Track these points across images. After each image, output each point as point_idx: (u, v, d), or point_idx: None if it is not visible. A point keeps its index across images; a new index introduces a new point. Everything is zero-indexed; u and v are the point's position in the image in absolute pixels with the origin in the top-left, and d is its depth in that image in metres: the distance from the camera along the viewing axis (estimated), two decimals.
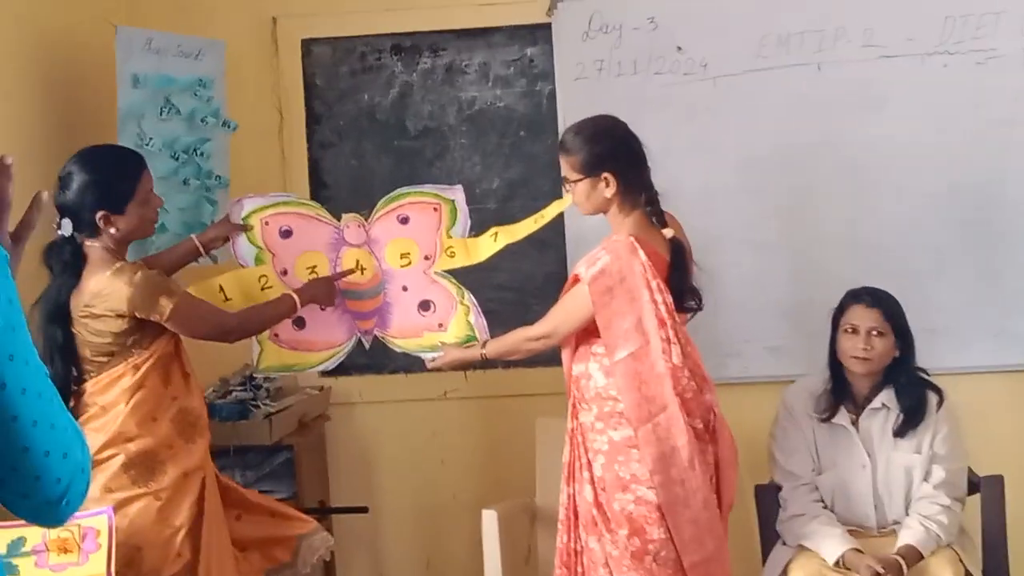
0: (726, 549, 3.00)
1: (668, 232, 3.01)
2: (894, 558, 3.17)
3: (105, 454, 2.81)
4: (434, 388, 4.13)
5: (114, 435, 2.83)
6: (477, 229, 3.37)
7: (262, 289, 3.27)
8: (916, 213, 3.94)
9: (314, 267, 3.33)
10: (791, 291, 3.99)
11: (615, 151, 3.00)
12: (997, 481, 3.43)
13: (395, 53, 4.21)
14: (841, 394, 3.40)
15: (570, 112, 3.74)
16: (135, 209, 2.89)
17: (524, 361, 3.39)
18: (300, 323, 3.35)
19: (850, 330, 3.36)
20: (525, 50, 4.17)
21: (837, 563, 3.21)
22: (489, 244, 3.32)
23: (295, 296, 3.17)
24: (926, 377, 3.40)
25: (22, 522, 1.38)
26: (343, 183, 4.24)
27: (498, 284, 4.05)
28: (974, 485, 3.43)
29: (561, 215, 3.39)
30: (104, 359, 2.86)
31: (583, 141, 3.01)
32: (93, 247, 2.87)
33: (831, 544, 3.23)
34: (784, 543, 3.37)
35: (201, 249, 3.27)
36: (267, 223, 3.31)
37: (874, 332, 3.33)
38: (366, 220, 3.36)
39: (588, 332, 3.00)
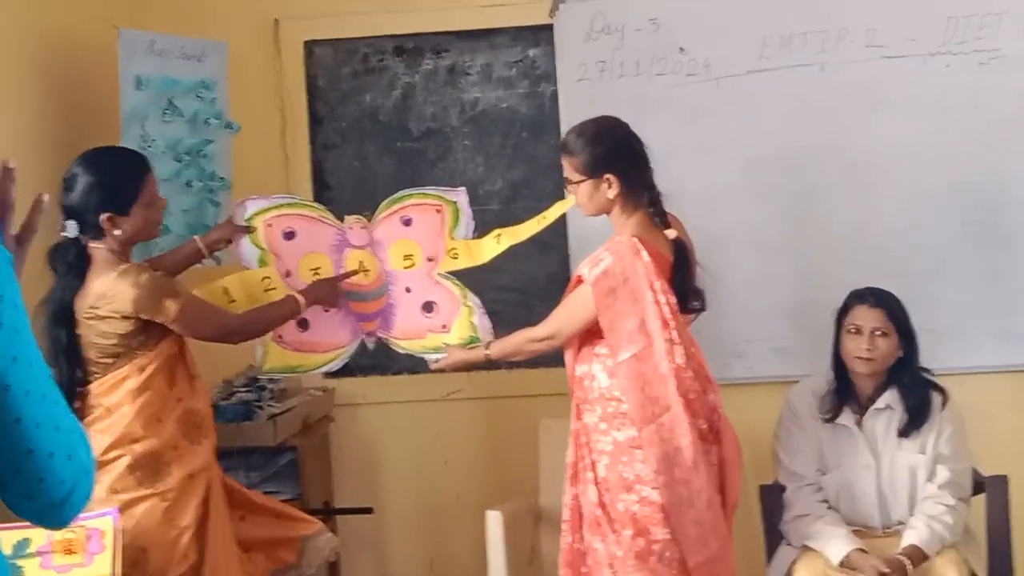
0: (730, 549, 3.00)
1: (671, 233, 3.01)
2: (899, 558, 3.17)
3: (111, 455, 2.81)
4: (438, 389, 4.13)
5: (120, 436, 2.83)
6: (480, 230, 3.37)
7: (266, 291, 3.27)
8: (919, 213, 3.94)
9: (317, 269, 3.33)
10: (795, 292, 3.99)
11: (617, 152, 3.00)
12: (1001, 481, 3.42)
13: (397, 54, 4.22)
14: (845, 394, 3.39)
15: (572, 113, 3.75)
16: (140, 211, 2.89)
17: (527, 362, 3.39)
18: (304, 325, 3.35)
19: (854, 330, 3.36)
20: (527, 51, 4.17)
21: (842, 563, 3.21)
22: (492, 245, 3.32)
23: (300, 297, 3.17)
24: (930, 377, 3.40)
25: (27, 523, 1.38)
26: (346, 184, 4.24)
27: (501, 285, 4.05)
28: (978, 485, 3.43)
29: (564, 216, 3.39)
30: (109, 361, 2.87)
31: (585, 142, 3.01)
32: (98, 249, 2.87)
33: (836, 544, 3.23)
34: (788, 543, 3.37)
35: (204, 251, 3.28)
36: (270, 225, 3.31)
37: (878, 332, 3.33)
38: (369, 222, 3.36)
39: (591, 333, 3.00)
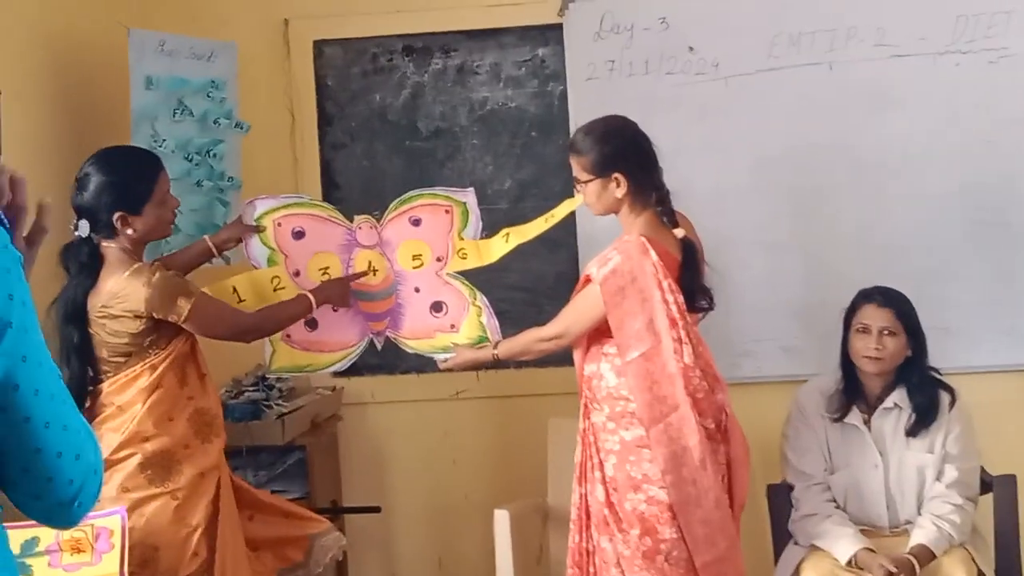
0: (738, 548, 3.00)
1: (679, 232, 3.01)
2: (906, 558, 3.17)
3: (122, 454, 2.83)
4: (446, 388, 4.13)
5: (131, 435, 2.84)
6: (489, 230, 3.37)
7: (275, 290, 3.29)
8: (928, 212, 3.93)
9: (326, 268, 3.34)
10: (803, 291, 3.99)
11: (625, 151, 3.00)
12: (1009, 480, 3.42)
13: (406, 54, 4.22)
14: (853, 394, 3.39)
15: (581, 112, 3.75)
16: (152, 210, 2.90)
17: (536, 361, 3.40)
18: (312, 324, 3.36)
19: (862, 330, 3.36)
20: (536, 51, 4.17)
21: (849, 563, 3.21)
22: (500, 245, 3.32)
23: (311, 296, 3.18)
24: (938, 377, 3.40)
25: (35, 522, 1.38)
26: (355, 184, 4.25)
27: (510, 285, 4.06)
28: (986, 484, 3.42)
29: (572, 215, 3.40)
30: (121, 359, 2.88)
31: (593, 141, 3.01)
32: (110, 248, 2.88)
33: (843, 544, 3.23)
34: (796, 543, 3.37)
35: (214, 250, 3.29)
36: (280, 224, 3.32)
37: (886, 332, 3.33)
38: (378, 222, 3.37)
39: (600, 332, 3.00)
